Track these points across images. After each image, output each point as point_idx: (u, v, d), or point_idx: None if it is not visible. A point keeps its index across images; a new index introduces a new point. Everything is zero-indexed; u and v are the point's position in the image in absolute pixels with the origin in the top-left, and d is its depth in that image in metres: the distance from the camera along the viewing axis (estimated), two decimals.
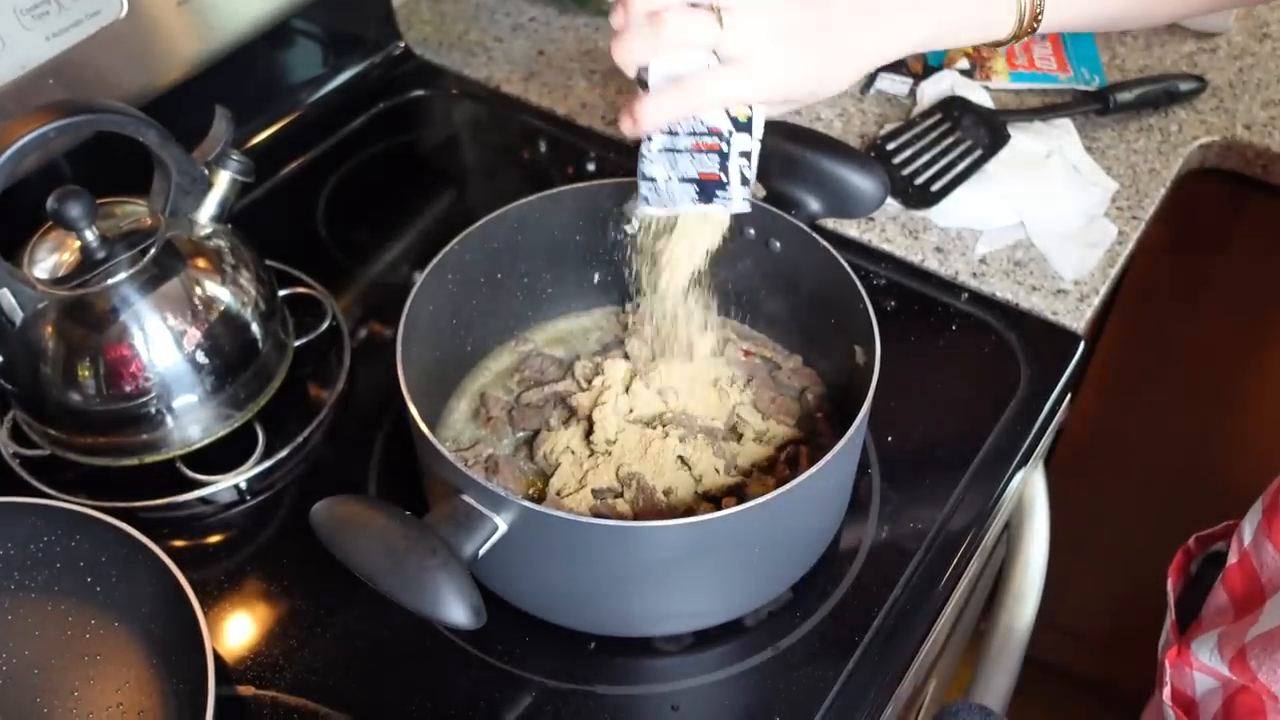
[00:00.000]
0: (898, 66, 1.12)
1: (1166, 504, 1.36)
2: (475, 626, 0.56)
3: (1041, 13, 0.66)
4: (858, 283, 0.72)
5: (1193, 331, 1.22)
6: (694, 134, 0.65)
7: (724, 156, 0.66)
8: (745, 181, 0.67)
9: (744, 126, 0.65)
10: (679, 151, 0.66)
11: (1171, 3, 0.70)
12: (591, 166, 1.05)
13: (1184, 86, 1.08)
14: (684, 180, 0.67)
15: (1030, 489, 0.90)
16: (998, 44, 0.68)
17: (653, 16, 0.61)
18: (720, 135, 0.65)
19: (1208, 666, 0.69)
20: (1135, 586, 1.17)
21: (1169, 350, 1.24)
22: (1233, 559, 0.74)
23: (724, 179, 0.67)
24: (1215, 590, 0.74)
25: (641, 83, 0.65)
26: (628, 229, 0.80)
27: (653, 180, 0.68)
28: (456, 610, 0.55)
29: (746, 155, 0.66)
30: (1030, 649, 0.86)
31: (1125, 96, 1.06)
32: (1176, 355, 1.24)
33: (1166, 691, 0.73)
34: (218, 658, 0.70)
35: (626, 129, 0.65)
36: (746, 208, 0.69)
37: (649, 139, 0.66)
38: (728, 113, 0.65)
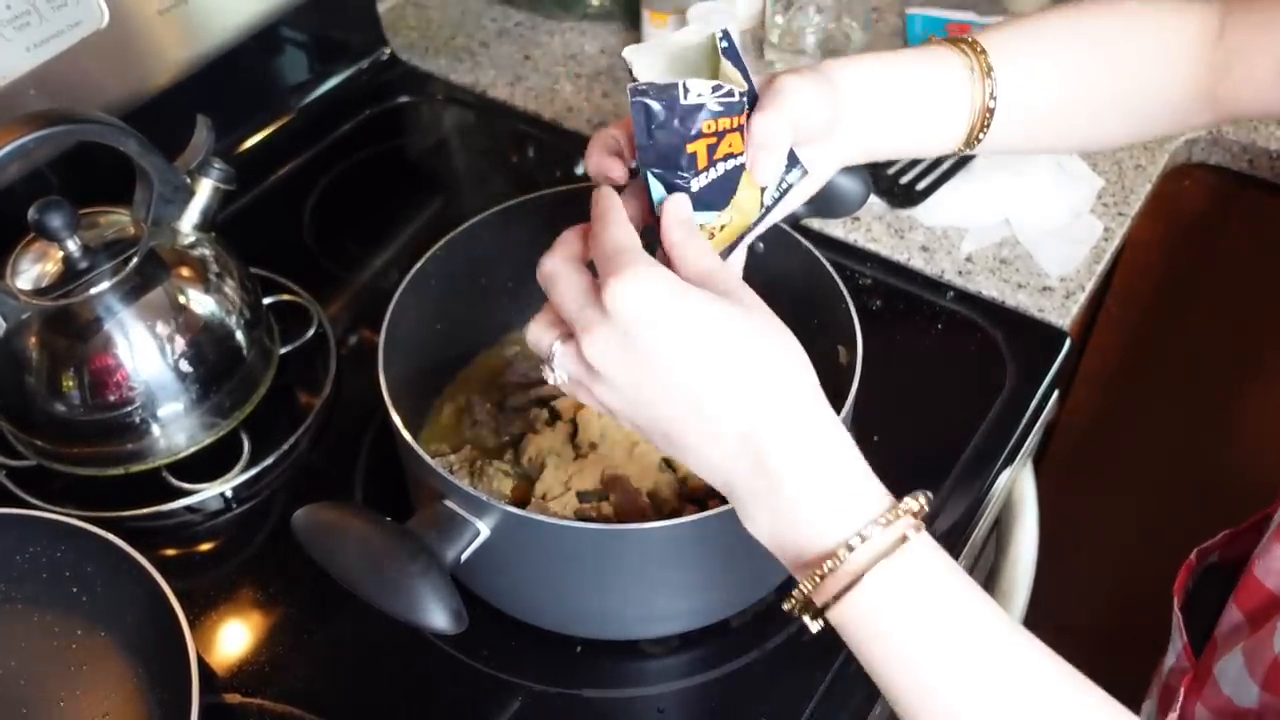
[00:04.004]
0: None
1: (1162, 500, 1.36)
2: (456, 631, 0.56)
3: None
4: (840, 283, 0.72)
5: (1183, 326, 1.21)
6: None
7: None
8: None
9: None
10: None
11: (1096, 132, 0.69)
12: (578, 169, 1.05)
13: None
14: None
15: (1019, 487, 0.89)
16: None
17: None
18: None
19: (1226, 695, 0.68)
20: (1132, 583, 1.17)
21: (1160, 346, 1.24)
22: (1244, 576, 0.72)
23: None
24: (1229, 610, 0.72)
25: None
26: None
27: None
28: (436, 615, 0.55)
29: None
30: None
31: None
32: (1167, 350, 1.24)
33: (1173, 718, 0.72)
34: (205, 666, 0.70)
35: None
36: None
37: None
38: None
